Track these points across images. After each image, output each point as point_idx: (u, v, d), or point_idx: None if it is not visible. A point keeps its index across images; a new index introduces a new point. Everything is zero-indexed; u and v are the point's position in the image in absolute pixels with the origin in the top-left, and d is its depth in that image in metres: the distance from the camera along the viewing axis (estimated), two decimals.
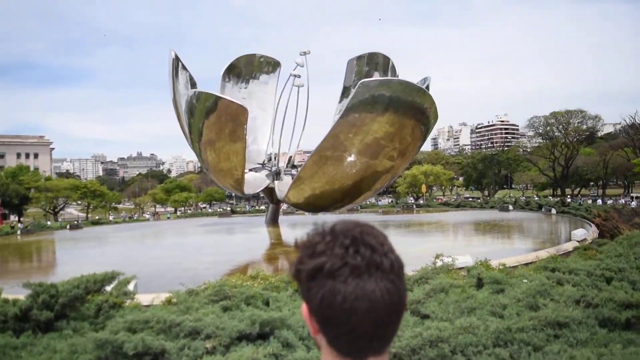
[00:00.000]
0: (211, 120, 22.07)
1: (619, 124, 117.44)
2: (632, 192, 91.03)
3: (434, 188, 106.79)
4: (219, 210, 72.27)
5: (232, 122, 21.80)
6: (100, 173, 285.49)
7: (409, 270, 8.66)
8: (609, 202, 59.59)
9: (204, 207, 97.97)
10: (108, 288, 7.26)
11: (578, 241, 17.27)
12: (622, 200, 62.42)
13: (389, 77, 27.21)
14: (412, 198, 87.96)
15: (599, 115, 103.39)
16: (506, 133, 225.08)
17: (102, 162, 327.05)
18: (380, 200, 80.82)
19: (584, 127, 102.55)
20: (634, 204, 38.09)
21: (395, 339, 4.26)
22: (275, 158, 29.53)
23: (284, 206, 37.15)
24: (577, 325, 5.02)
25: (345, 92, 30.56)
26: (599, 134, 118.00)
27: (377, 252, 1.07)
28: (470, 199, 76.97)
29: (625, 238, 10.17)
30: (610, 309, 5.44)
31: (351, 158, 22.24)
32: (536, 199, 64.11)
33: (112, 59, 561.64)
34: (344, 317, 1.02)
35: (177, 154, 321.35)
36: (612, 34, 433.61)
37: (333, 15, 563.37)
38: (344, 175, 22.70)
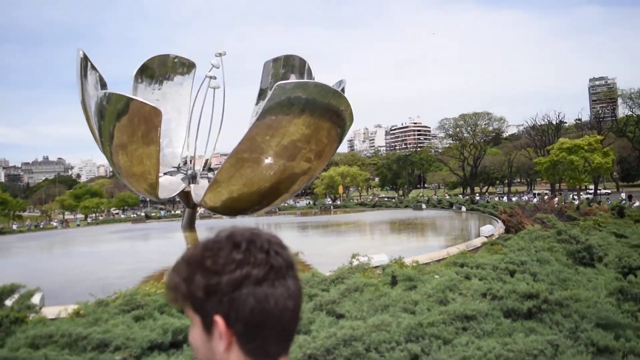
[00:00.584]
0: (123, 122, 21.28)
1: (522, 125, 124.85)
2: (534, 189, 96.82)
3: (351, 189, 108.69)
4: (132, 216, 69.96)
5: (145, 124, 21.13)
6: (2, 179, 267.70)
7: (326, 270, 8.77)
8: (514, 199, 62.88)
9: (117, 213, 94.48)
10: (8, 302, 6.82)
11: (486, 237, 18.05)
12: (526, 197, 66.11)
13: (305, 80, 27.39)
14: (329, 199, 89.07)
15: (504, 117, 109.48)
16: (419, 134, 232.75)
17: (4, 167, 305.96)
18: (298, 202, 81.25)
19: (490, 128, 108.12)
20: (535, 200, 40.53)
21: (310, 340, 4.29)
22: (191, 161, 28.93)
23: (201, 210, 36.51)
24: (483, 317, 5.28)
25: (261, 94, 30.44)
26: (504, 135, 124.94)
27: (287, 252, 1.12)
28: (386, 199, 78.93)
29: (527, 232, 10.80)
30: (513, 300, 5.76)
31: (268, 160, 22.18)
32: (447, 197, 66.65)
33: (13, 57, 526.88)
34: (277, 319, 1.05)
35: (87, 157, 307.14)
36: (517, 41, 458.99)
37: (248, 17, 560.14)
38: (262, 177, 22.62)
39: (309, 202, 79.01)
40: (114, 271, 16.07)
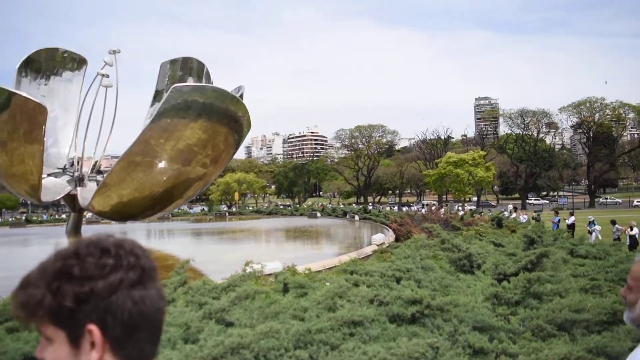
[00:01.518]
0: (3, 118, 19.74)
1: (413, 139, 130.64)
2: (423, 200, 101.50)
3: (247, 196, 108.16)
4: (11, 219, 64.96)
5: (29, 121, 19.77)
6: None
7: (219, 278, 8.66)
8: (405, 208, 65.43)
9: None
10: None
11: (377, 245, 18.62)
12: (415, 207, 69.07)
13: (203, 84, 26.96)
14: (225, 206, 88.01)
15: (397, 130, 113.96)
16: (316, 144, 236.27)
17: None
18: (192, 208, 79.42)
19: (384, 140, 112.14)
20: (424, 210, 42.53)
21: (197, 349, 4.21)
22: (78, 163, 27.39)
23: (88, 215, 34.67)
24: (370, 322, 5.45)
25: (157, 96, 29.52)
26: (397, 147, 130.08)
27: (151, 255, 1.13)
28: (282, 207, 79.25)
29: (413, 241, 11.28)
30: (398, 305, 6.00)
31: (162, 164, 21.53)
32: (341, 206, 68.08)
33: None
34: (152, 320, 1.06)
35: None
36: (410, 58, 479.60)
37: (145, 16, 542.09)
38: (155, 182, 21.89)
39: (204, 209, 77.46)
40: None
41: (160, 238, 32.23)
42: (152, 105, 29.63)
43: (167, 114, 20.54)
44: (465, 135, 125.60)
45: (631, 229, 21.29)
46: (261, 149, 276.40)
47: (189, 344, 4.76)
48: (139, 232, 31.46)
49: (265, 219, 51.13)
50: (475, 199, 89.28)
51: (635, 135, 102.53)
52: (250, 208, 78.66)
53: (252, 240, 29.19)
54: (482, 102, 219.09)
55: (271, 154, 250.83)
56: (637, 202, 79.11)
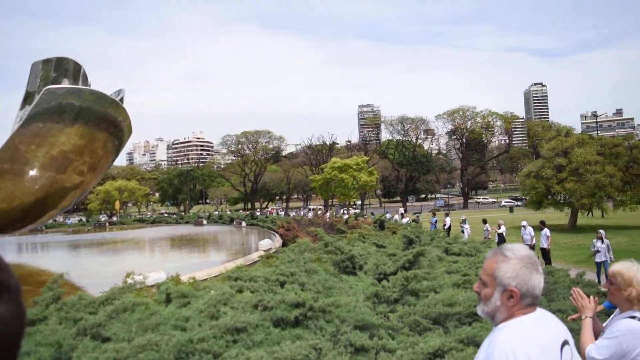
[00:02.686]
0: None
1: (300, 144, 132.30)
2: (309, 205, 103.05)
3: (129, 204, 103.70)
4: None
5: None
6: None
7: (97, 292, 8.24)
8: (292, 213, 65.99)
9: None
10: None
11: (264, 250, 18.65)
12: (302, 212, 69.91)
13: (80, 86, 25.53)
14: (105, 215, 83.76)
15: (283, 136, 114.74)
16: (202, 150, 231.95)
17: None
18: (69, 219, 74.66)
19: (271, 146, 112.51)
20: (310, 214, 43.16)
21: None
22: None
23: None
24: (254, 328, 5.46)
25: (27, 98, 27.43)
26: (283, 153, 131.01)
27: (4, 271, 1.01)
28: (167, 215, 76.80)
29: (297, 245, 11.44)
30: (282, 309, 6.06)
31: (34, 172, 20.06)
32: (228, 213, 67.36)
33: None
34: (13, 340, 0.96)
35: None
36: (296, 65, 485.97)
37: (14, 12, 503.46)
38: (25, 191, 20.33)
39: (82, 219, 73.12)
40: None
41: (33, 252, 30.02)
42: (21, 108, 27.47)
43: (39, 118, 19.21)
44: (350, 141, 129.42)
45: (499, 227, 23.06)
46: (144, 155, 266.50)
47: None
48: (8, 247, 29.09)
49: (148, 228, 49.27)
50: (359, 202, 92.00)
51: (503, 141, 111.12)
52: (133, 217, 75.47)
53: (135, 250, 28.01)
54: (365, 109, 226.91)
55: (155, 160, 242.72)
56: (505, 202, 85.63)
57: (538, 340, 2.03)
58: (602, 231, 16.78)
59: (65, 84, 26.56)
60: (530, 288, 2.10)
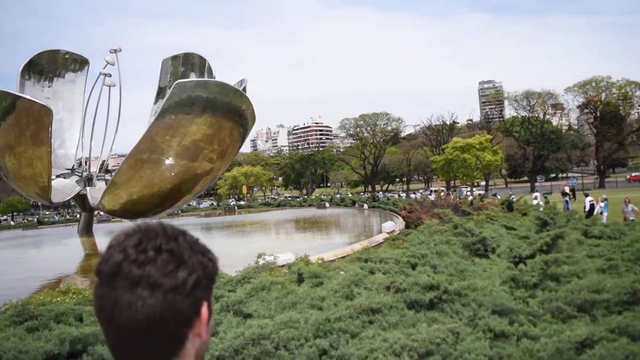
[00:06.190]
0: (9, 122, 19.78)
1: (418, 125, 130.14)
2: (431, 186, 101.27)
3: (255, 189, 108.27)
4: (23, 222, 65.28)
5: (35, 124, 19.77)
6: None
7: (232, 271, 8.63)
8: (413, 195, 65.21)
9: (5, 220, 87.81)
10: None
11: (388, 233, 18.55)
12: (423, 194, 68.86)
13: (206, 78, 26.86)
14: (233, 199, 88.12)
15: (401, 117, 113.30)
16: (321, 134, 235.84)
17: None
18: (201, 203, 79.57)
19: (389, 128, 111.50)
20: (432, 196, 42.33)
21: (217, 341, 4.18)
22: (86, 163, 27.44)
23: (100, 214, 34.80)
24: (388, 309, 5.41)
25: (160, 93, 29.46)
26: (402, 134, 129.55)
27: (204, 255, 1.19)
28: (290, 198, 79.25)
29: (426, 227, 11.23)
30: (416, 292, 5.95)
31: (169, 161, 21.50)
32: (350, 195, 67.97)
33: None
34: None
35: None
36: (411, 44, 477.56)
37: (144, 14, 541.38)
38: (163, 178, 21.89)
39: (213, 203, 77.53)
40: (2, 282, 14.90)
41: None
42: (155, 102, 29.58)
43: (172, 111, 20.49)
44: (471, 120, 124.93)
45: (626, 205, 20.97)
46: (266, 141, 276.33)
47: None
48: None
49: (274, 211, 51.11)
50: (483, 183, 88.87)
51: None
52: (259, 201, 78.71)
53: (262, 232, 29.20)
54: (486, 85, 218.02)
55: (276, 146, 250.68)
56: None
57: None
58: None
59: (193, 78, 28.09)
60: None
